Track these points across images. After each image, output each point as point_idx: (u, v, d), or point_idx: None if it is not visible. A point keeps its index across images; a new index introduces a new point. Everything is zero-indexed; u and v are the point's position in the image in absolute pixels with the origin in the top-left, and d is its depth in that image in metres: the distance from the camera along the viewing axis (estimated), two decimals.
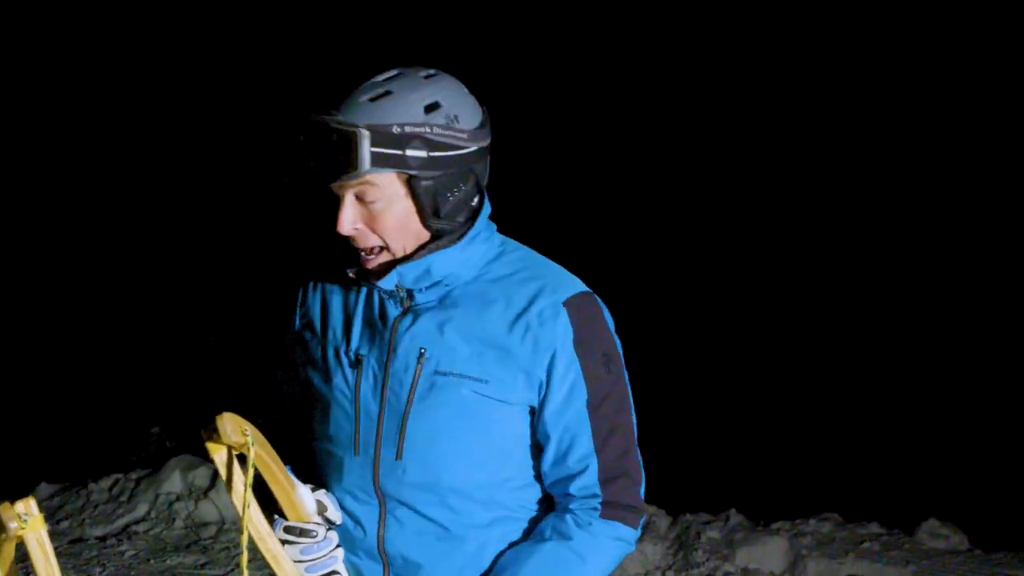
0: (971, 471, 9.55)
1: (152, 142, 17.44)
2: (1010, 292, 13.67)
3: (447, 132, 1.88)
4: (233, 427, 1.70)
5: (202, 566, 6.56)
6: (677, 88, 17.37)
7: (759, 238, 15.98)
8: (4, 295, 14.71)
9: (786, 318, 14.21)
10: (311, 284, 2.14)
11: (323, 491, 1.98)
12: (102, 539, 7.17)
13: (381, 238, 1.91)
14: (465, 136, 1.91)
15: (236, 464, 1.74)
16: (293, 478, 1.91)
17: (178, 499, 7.58)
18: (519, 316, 1.92)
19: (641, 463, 2.01)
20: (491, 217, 2.04)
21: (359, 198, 1.89)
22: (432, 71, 1.94)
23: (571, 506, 1.94)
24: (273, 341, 2.22)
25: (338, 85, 1.92)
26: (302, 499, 1.91)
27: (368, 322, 2.00)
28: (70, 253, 16.09)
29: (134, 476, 7.95)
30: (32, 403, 11.87)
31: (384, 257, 1.93)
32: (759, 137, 16.96)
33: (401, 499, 1.94)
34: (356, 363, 1.98)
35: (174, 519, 7.38)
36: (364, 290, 2.04)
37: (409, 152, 1.85)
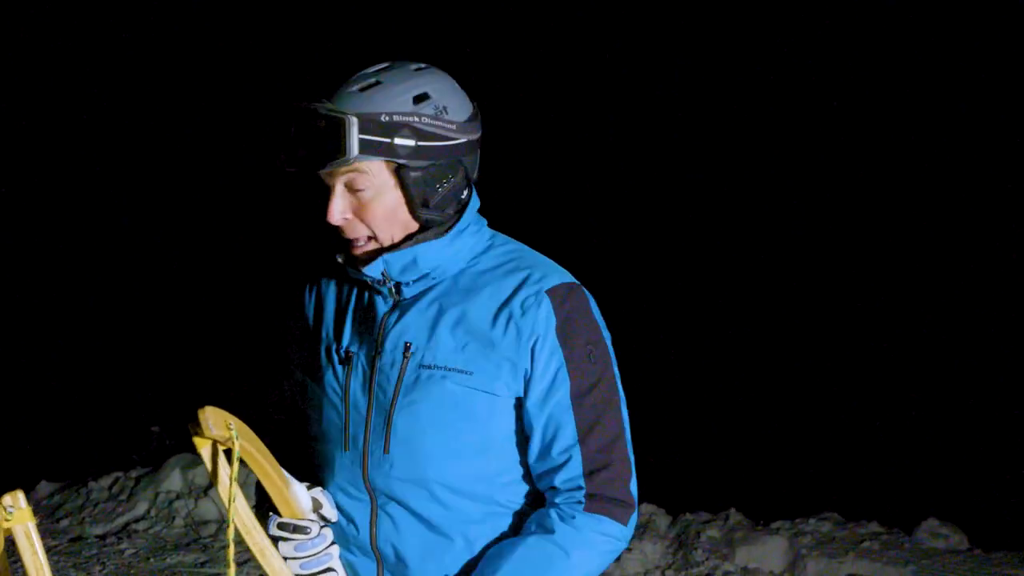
0: (971, 471, 9.54)
1: (150, 142, 17.44)
2: (1009, 292, 13.66)
3: (436, 123, 1.90)
4: (216, 421, 1.69)
5: (202, 564, 6.56)
6: (674, 83, 17.38)
7: (759, 237, 15.97)
8: (4, 295, 14.70)
9: (786, 318, 14.21)
10: (306, 285, 2.16)
11: (319, 489, 1.99)
12: (102, 537, 7.17)
13: (370, 228, 1.92)
14: (454, 127, 1.92)
15: (222, 458, 1.73)
16: (287, 475, 1.91)
17: (178, 497, 7.58)
18: (503, 306, 1.92)
19: (631, 457, 1.99)
20: (483, 212, 2.06)
21: (349, 188, 1.90)
22: (422, 64, 1.96)
23: (556, 500, 1.93)
24: (272, 341, 2.23)
25: (328, 78, 1.93)
26: (296, 496, 1.91)
27: (358, 320, 2.02)
28: (69, 253, 16.09)
29: (134, 475, 7.96)
30: (32, 402, 11.87)
31: (372, 246, 1.94)
32: (755, 134, 16.96)
33: (390, 494, 1.94)
34: (346, 360, 1.99)
35: (174, 517, 7.38)
36: (356, 289, 2.05)
37: (397, 140, 1.86)
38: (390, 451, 1.92)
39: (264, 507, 1.95)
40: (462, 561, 1.97)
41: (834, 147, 16.61)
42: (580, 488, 1.92)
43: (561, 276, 1.98)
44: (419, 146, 1.87)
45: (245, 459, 1.77)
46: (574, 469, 1.92)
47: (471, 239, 2.00)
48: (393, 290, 1.97)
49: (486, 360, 1.91)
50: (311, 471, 2.07)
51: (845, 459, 10.07)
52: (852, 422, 11.38)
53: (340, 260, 1.99)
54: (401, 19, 17.13)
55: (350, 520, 1.99)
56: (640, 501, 6.09)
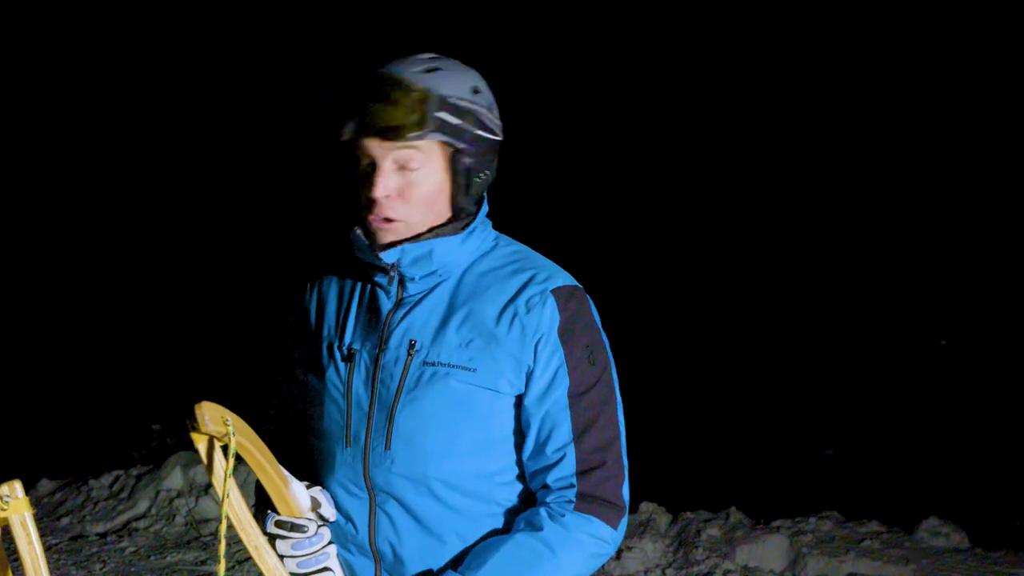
0: (971, 470, 9.54)
1: (151, 143, 17.46)
2: (1009, 292, 13.67)
3: (490, 115, 1.95)
4: (213, 416, 1.67)
5: (202, 562, 6.56)
6: (674, 85, 17.38)
7: (760, 237, 15.98)
8: (6, 294, 14.72)
9: (787, 318, 14.22)
10: (307, 283, 2.16)
11: (318, 488, 1.97)
12: (103, 535, 7.17)
13: (408, 209, 1.92)
14: (498, 125, 1.98)
15: (219, 454, 1.72)
16: (286, 473, 1.90)
17: (179, 496, 7.59)
18: (508, 304, 1.93)
19: (625, 461, 1.98)
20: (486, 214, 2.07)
21: (399, 165, 1.90)
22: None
23: (547, 499, 1.92)
24: (273, 340, 2.22)
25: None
26: (295, 495, 1.90)
27: (361, 317, 2.01)
28: (71, 252, 16.11)
29: (135, 473, 7.96)
30: (33, 400, 11.88)
31: (399, 230, 1.93)
32: (755, 136, 16.97)
33: (390, 491, 1.93)
34: (349, 357, 1.98)
35: (175, 516, 7.38)
36: (358, 285, 2.05)
37: (464, 125, 1.90)
38: (391, 447, 1.91)
39: (263, 505, 1.95)
40: (458, 560, 1.95)
41: (830, 147, 16.63)
42: (572, 486, 1.91)
43: (565, 278, 1.99)
44: (477, 135, 1.92)
45: (242, 455, 1.76)
46: (567, 468, 1.91)
47: (479, 238, 2.01)
48: (398, 285, 1.97)
49: (490, 357, 1.91)
50: (310, 468, 2.06)
51: (845, 457, 10.07)
52: (852, 421, 11.39)
53: (359, 233, 1.97)
54: (400, 20, 17.15)
55: (348, 518, 1.98)
56: (641, 499, 6.08)
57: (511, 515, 1.97)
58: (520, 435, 1.97)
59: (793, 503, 7.45)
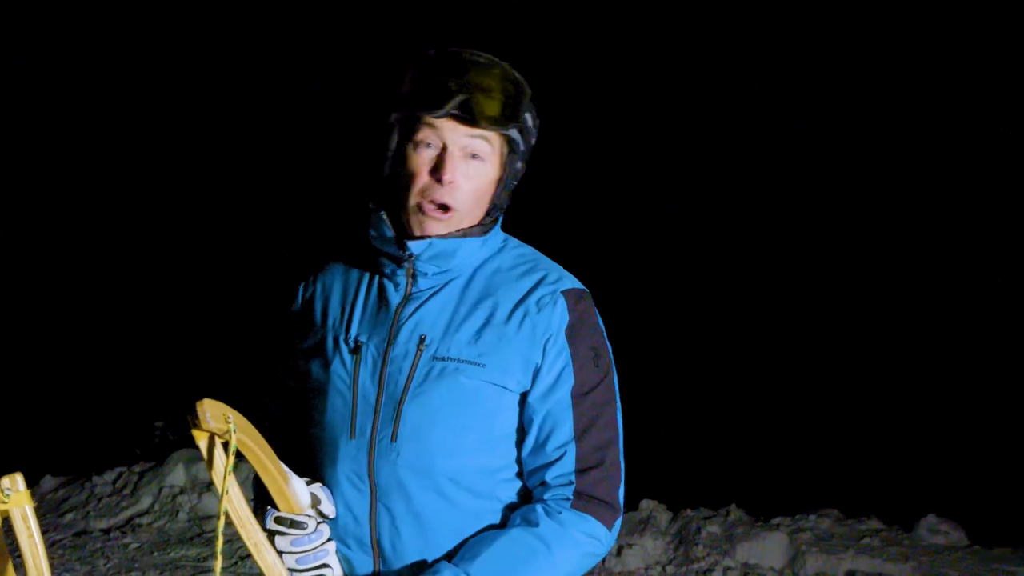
0: (970, 468, 9.54)
1: (154, 141, 17.45)
2: (1007, 290, 13.66)
3: (537, 120, 2.01)
4: (214, 413, 1.67)
5: (205, 558, 6.57)
6: (675, 87, 17.37)
7: (760, 236, 15.97)
8: (9, 292, 14.72)
9: (786, 317, 14.21)
10: (311, 276, 2.15)
11: (318, 485, 1.96)
12: (106, 531, 7.17)
13: (464, 198, 1.94)
14: (537, 132, 2.02)
15: (219, 450, 1.72)
16: (287, 470, 1.89)
17: (182, 492, 7.59)
18: (519, 304, 1.95)
19: (622, 464, 1.99)
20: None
21: (466, 153, 1.92)
22: None
23: (544, 495, 1.93)
24: (273, 334, 2.22)
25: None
26: (295, 491, 1.89)
27: (368, 310, 2.01)
28: (73, 251, 16.11)
29: (138, 469, 7.97)
30: (37, 398, 11.88)
31: (451, 220, 1.94)
32: (749, 137, 16.96)
33: (394, 484, 1.92)
34: (355, 349, 1.98)
35: (178, 512, 7.38)
36: (365, 277, 2.05)
37: (530, 123, 1.97)
38: (398, 440, 1.91)
39: (263, 501, 1.94)
40: (456, 554, 1.94)
41: (828, 147, 16.62)
42: (570, 484, 1.91)
43: (573, 281, 2.02)
44: (530, 135, 1.98)
45: (243, 452, 1.76)
46: (567, 465, 1.92)
47: (494, 239, 2.04)
48: (408, 279, 1.97)
49: (500, 354, 1.92)
50: (311, 460, 2.05)
51: (845, 455, 10.07)
52: (851, 419, 11.39)
53: (385, 224, 1.97)
54: (400, 20, 17.13)
55: (349, 510, 1.96)
56: (641, 497, 6.08)
57: (509, 512, 1.97)
58: (521, 432, 1.97)
59: (793, 501, 7.44)
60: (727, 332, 13.96)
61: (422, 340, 1.93)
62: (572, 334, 1.94)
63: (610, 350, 2.02)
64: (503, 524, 1.96)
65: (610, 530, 1.94)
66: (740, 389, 12.18)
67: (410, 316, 1.96)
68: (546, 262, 2.05)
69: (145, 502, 7.55)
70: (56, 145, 17.25)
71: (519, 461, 1.98)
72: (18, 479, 1.54)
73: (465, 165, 1.92)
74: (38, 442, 9.84)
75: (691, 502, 7.28)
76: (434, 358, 1.92)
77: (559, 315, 1.94)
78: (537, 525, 1.88)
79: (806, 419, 11.16)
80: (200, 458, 7.49)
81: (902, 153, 16.07)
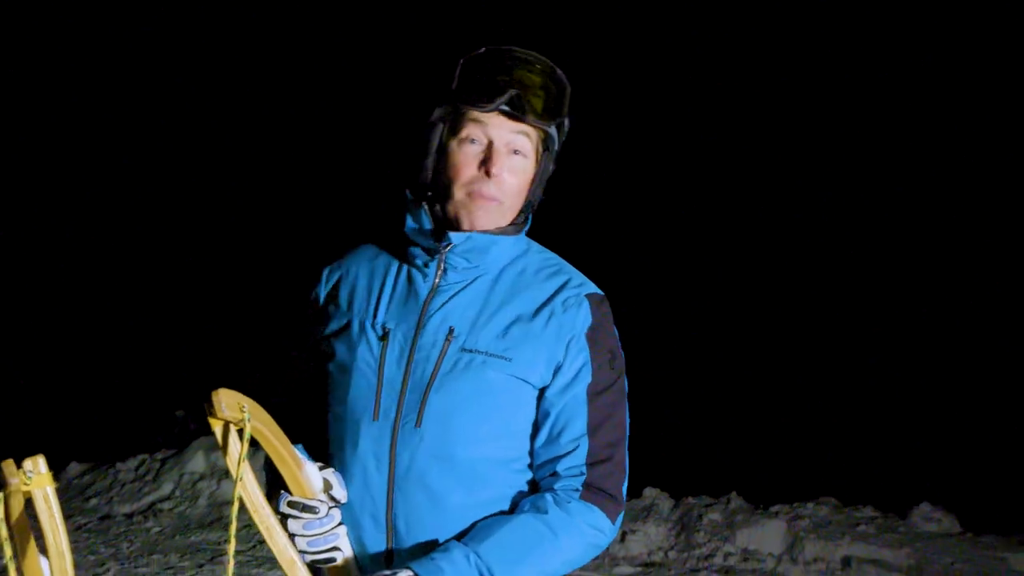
0: (962, 458, 9.53)
1: (181, 136, 17.46)
2: (997, 285, 13.63)
3: (570, 121, 2.04)
4: (229, 402, 1.67)
5: (224, 542, 6.58)
6: (679, 89, 17.33)
7: (758, 231, 15.95)
8: (38, 288, 14.77)
9: (784, 314, 14.20)
10: (336, 263, 2.15)
11: (330, 470, 1.95)
12: (129, 516, 7.20)
13: (509, 192, 1.96)
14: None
15: (234, 437, 1.72)
16: (300, 456, 1.89)
17: (201, 479, 7.61)
18: (545, 304, 1.97)
19: (627, 462, 2.01)
20: None
21: (510, 149, 1.94)
22: None
23: (554, 485, 1.94)
24: (290, 324, 2.21)
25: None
26: (308, 476, 1.89)
27: (396, 299, 2.01)
28: (98, 244, 16.15)
29: (160, 457, 7.99)
30: (64, 388, 11.92)
31: (495, 211, 1.97)
32: (748, 137, 16.93)
33: (414, 468, 1.92)
34: (383, 336, 1.97)
35: (198, 498, 7.41)
36: (393, 267, 2.06)
37: (566, 123, 2.01)
38: (422, 425, 1.91)
39: (276, 486, 1.94)
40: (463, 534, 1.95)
41: (826, 147, 16.58)
42: (581, 475, 1.93)
43: (594, 287, 2.04)
44: (564, 135, 2.02)
45: (257, 439, 1.75)
46: (579, 458, 1.94)
47: (522, 241, 2.07)
48: (438, 271, 1.98)
49: (525, 349, 1.93)
50: (330, 441, 2.04)
51: (842, 446, 10.06)
52: (848, 410, 11.38)
53: (424, 216, 1.99)
54: (399, 20, 17.10)
55: (366, 490, 1.95)
56: (644, 485, 6.08)
57: (518, 501, 1.97)
58: (535, 426, 1.98)
59: (791, 489, 7.43)
60: (727, 329, 13.96)
61: (451, 331, 1.94)
62: (592, 336, 1.96)
63: (623, 356, 2.05)
64: (512, 511, 1.96)
65: (613, 523, 1.95)
66: (741, 382, 12.18)
67: (440, 308, 1.96)
68: (568, 267, 2.07)
69: (166, 488, 7.57)
70: (89, 143, 17.25)
71: (530, 454, 1.99)
72: (40, 461, 1.54)
73: (510, 160, 1.94)
74: (65, 430, 9.88)
75: (693, 490, 7.28)
76: (462, 350, 1.93)
77: (583, 317, 1.96)
78: (546, 512, 1.89)
79: (804, 411, 11.16)
80: (218, 446, 7.54)
81: (902, 153, 16.04)
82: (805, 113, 16.71)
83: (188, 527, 6.92)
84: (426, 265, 1.99)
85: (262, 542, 6.20)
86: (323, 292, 2.12)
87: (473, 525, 1.93)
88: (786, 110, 16.84)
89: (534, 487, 2.00)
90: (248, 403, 1.71)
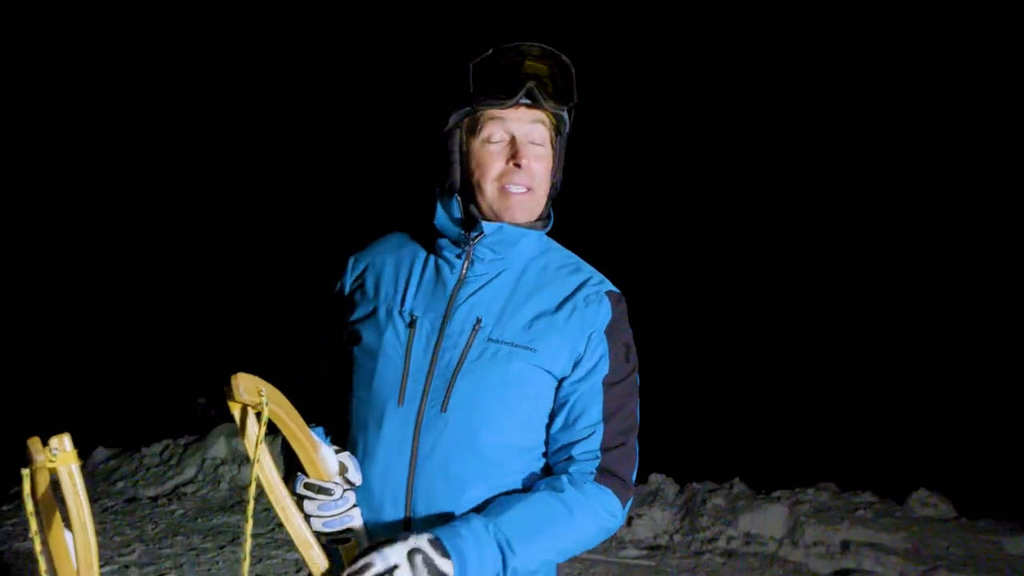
0: (958, 445, 9.52)
1: (192, 133, 17.47)
2: (990, 280, 13.61)
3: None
4: (248, 387, 1.67)
5: (244, 525, 6.59)
6: (678, 90, 17.31)
7: (759, 229, 15.94)
8: (66, 285, 14.83)
9: (784, 309, 14.19)
10: (362, 252, 2.15)
11: (346, 453, 1.95)
12: (154, 499, 7.22)
13: (537, 181, 1.98)
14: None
15: (252, 420, 1.72)
16: (316, 439, 1.88)
17: (223, 463, 7.63)
18: (567, 299, 1.99)
19: (637, 450, 2.02)
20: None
21: (528, 140, 1.97)
22: None
23: (569, 468, 1.95)
24: (313, 312, 2.21)
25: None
26: (324, 459, 1.88)
27: (424, 288, 2.02)
28: (124, 244, 16.20)
29: (183, 442, 8.01)
30: (91, 377, 11.96)
31: (528, 198, 1.98)
32: (749, 136, 16.90)
33: (437, 452, 1.91)
34: (411, 323, 1.97)
35: (219, 481, 7.42)
36: (420, 258, 2.06)
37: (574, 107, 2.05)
38: (448, 410, 1.91)
39: (293, 468, 1.93)
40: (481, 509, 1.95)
41: (825, 147, 16.55)
42: (596, 459, 1.94)
43: (612, 285, 2.06)
44: (572, 118, 2.05)
45: (275, 422, 1.75)
46: (594, 443, 1.94)
47: (544, 239, 2.09)
48: (465, 263, 1.99)
49: (549, 341, 1.94)
50: (353, 423, 2.04)
51: (841, 433, 10.06)
52: (848, 400, 11.37)
53: (456, 208, 1.99)
54: (399, 20, 17.08)
55: (388, 472, 1.94)
56: (651, 471, 6.06)
57: (532, 485, 1.97)
58: (551, 413, 1.99)
59: (792, 475, 7.44)
60: (730, 325, 13.97)
61: (478, 322, 1.95)
62: (611, 330, 1.99)
63: (636, 352, 2.06)
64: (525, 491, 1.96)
65: (624, 506, 1.96)
66: (744, 372, 12.18)
67: (467, 298, 1.98)
68: (587, 266, 2.10)
69: (189, 472, 7.59)
70: (135, 136, 17.25)
71: (546, 442, 2.00)
72: (65, 440, 1.54)
73: (532, 149, 1.97)
74: (92, 417, 9.91)
75: (697, 476, 7.29)
76: (489, 340, 1.94)
77: (603, 312, 1.99)
78: (562, 491, 1.89)
79: (805, 401, 11.15)
80: (237, 429, 7.55)
81: (902, 153, 16.00)
82: (805, 113, 16.68)
83: (210, 510, 6.93)
84: (453, 257, 2.00)
85: (280, 525, 6.21)
86: (349, 280, 2.12)
87: (490, 501, 1.92)
88: (786, 110, 16.81)
89: (549, 473, 2.00)
90: (266, 387, 1.70)
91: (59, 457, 1.52)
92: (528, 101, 1.94)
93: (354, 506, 1.92)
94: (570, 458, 1.95)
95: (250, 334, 12.36)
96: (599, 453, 1.94)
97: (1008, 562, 6.00)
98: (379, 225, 2.23)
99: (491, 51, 1.95)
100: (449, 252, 2.00)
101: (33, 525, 1.54)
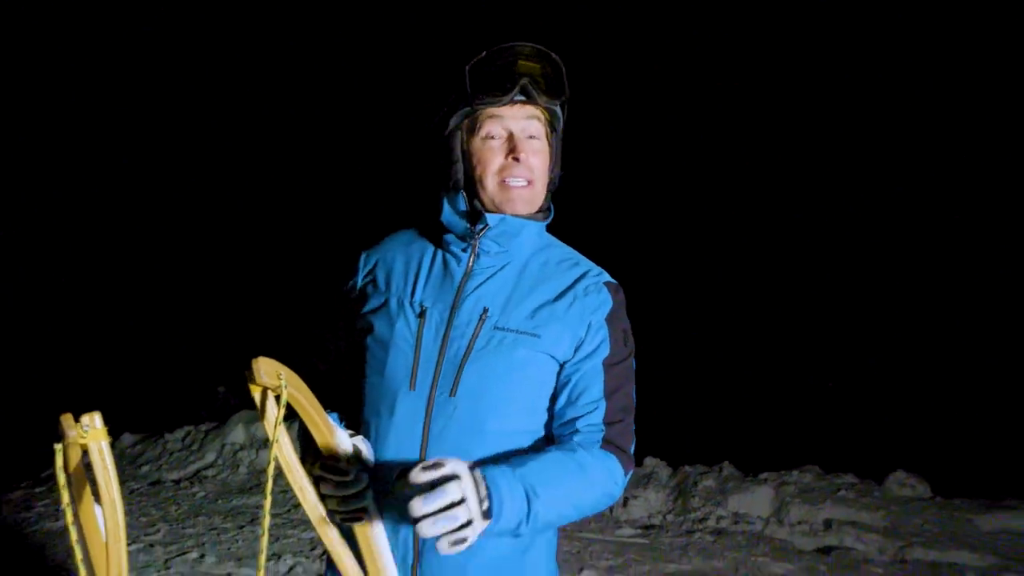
0: (934, 429, 9.51)
1: (208, 130, 17.36)
2: (971, 269, 13.57)
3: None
4: (267, 370, 1.67)
5: (262, 506, 6.61)
6: (678, 90, 17.20)
7: (750, 225, 15.88)
8: (92, 280, 14.80)
9: (771, 303, 14.15)
10: (373, 248, 2.17)
11: (360, 437, 1.96)
12: (177, 482, 7.25)
13: (536, 174, 2.00)
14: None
15: (271, 403, 1.71)
16: (332, 423, 1.89)
17: (241, 448, 7.65)
18: (568, 289, 2.01)
19: (634, 428, 2.03)
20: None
21: (526, 135, 1.98)
22: None
23: (575, 437, 1.96)
24: (324, 306, 2.22)
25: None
26: (339, 442, 1.89)
27: (432, 280, 2.03)
28: (143, 241, 16.15)
29: (204, 428, 8.03)
30: (118, 367, 11.97)
31: (528, 191, 2.00)
32: (749, 139, 16.81)
33: (446, 435, 1.92)
34: (421, 313, 1.99)
35: (238, 466, 7.45)
36: (428, 251, 2.08)
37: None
38: (457, 395, 1.92)
39: (309, 450, 1.95)
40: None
41: (824, 147, 16.47)
42: (600, 431, 1.95)
43: (609, 277, 2.08)
44: (565, 114, 2.06)
45: (293, 405, 1.76)
46: (597, 416, 1.96)
47: (545, 233, 2.11)
48: (471, 256, 2.01)
49: (552, 328, 1.96)
50: (366, 408, 2.04)
51: (825, 419, 10.05)
52: (831, 387, 11.36)
53: (460, 202, 2.01)
54: (399, 20, 16.96)
55: (399, 453, 1.95)
56: (645, 454, 6.06)
57: None
58: (554, 393, 2.01)
59: (778, 458, 7.44)
60: (721, 319, 13.92)
61: (485, 311, 1.96)
62: (610, 318, 2.01)
63: (632, 338, 2.08)
64: None
65: (625, 475, 1.97)
66: (734, 364, 12.16)
67: (474, 290, 1.99)
68: (586, 260, 2.11)
69: (210, 457, 7.61)
70: (152, 139, 17.13)
71: (547, 424, 2.01)
72: (96, 417, 1.54)
73: (530, 144, 1.98)
74: (119, 404, 9.93)
75: (689, 459, 7.29)
76: (495, 328, 1.95)
77: (602, 301, 2.01)
78: (574, 452, 1.91)
79: (791, 388, 11.14)
80: (258, 418, 7.54)
81: (901, 153, 15.92)
82: (805, 113, 16.59)
83: (230, 492, 6.95)
84: (460, 251, 2.02)
85: (297, 505, 6.25)
86: (361, 273, 2.14)
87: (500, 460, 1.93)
88: (786, 110, 16.72)
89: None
90: (285, 371, 1.70)
91: (90, 433, 1.52)
92: (523, 97, 1.96)
93: (368, 487, 1.93)
94: (576, 430, 1.96)
95: (269, 328, 12.35)
96: (603, 426, 1.95)
97: (980, 538, 6.03)
98: (386, 223, 2.24)
99: (486, 53, 1.96)
100: (456, 247, 2.02)
101: (65, 497, 1.53)
